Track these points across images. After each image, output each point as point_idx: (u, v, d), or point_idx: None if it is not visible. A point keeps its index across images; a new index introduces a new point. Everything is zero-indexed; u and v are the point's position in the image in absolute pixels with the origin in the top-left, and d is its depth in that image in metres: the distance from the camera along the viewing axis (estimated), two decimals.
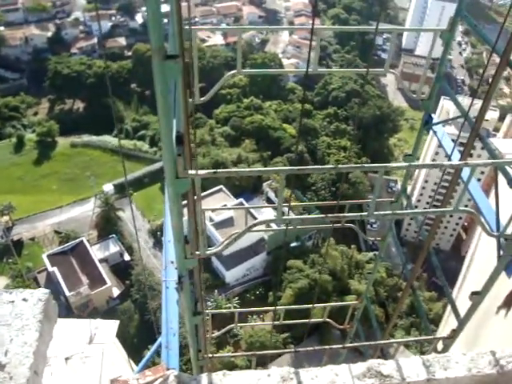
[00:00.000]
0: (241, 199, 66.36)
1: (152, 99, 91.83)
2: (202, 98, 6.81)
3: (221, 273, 64.40)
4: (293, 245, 66.62)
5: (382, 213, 5.37)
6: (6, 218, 70.84)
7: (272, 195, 70.87)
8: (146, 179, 77.12)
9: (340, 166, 4.95)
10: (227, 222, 60.21)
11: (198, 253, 4.87)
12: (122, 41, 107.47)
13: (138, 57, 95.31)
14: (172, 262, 6.95)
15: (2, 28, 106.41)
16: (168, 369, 3.55)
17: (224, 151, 78.31)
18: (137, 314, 62.09)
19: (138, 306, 62.81)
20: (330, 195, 75.10)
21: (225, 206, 56.89)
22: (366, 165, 5.32)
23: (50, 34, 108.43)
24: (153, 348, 8.41)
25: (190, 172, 3.99)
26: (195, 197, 4.53)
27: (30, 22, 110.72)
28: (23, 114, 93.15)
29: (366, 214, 5.18)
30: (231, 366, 46.16)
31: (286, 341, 56.67)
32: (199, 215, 4.78)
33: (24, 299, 3.11)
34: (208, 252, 4.99)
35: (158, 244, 69.50)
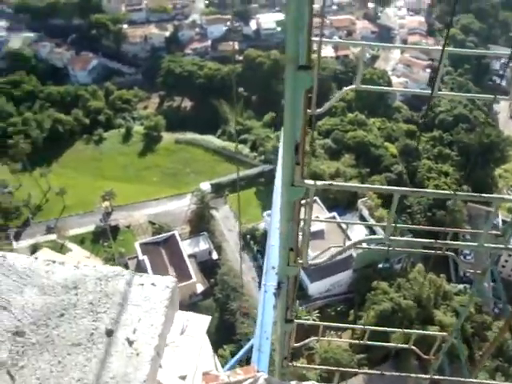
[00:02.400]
0: (334, 213, 65.73)
1: (257, 104, 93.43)
2: (319, 110, 6.80)
3: (304, 284, 64.00)
4: (381, 266, 65.11)
5: (493, 245, 5.07)
6: (106, 203, 74.46)
7: (366, 213, 69.66)
8: (242, 182, 78.31)
9: (458, 193, 4.73)
10: (318, 235, 59.68)
11: (300, 261, 4.82)
12: (235, 45, 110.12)
13: (249, 62, 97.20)
14: (273, 268, 6.95)
15: (125, 26, 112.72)
16: (258, 371, 3.55)
17: (323, 163, 78.02)
18: (217, 313, 63.00)
19: (219, 305, 63.74)
20: (425, 220, 72.72)
21: (317, 217, 56.47)
22: (483, 195, 5.02)
23: (167, 33, 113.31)
24: (244, 348, 8.46)
25: (307, 181, 3.95)
26: (301, 205, 4.47)
27: (151, 22, 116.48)
28: (134, 107, 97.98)
29: (476, 244, 4.92)
30: (303, 379, 45.62)
31: (360, 362, 55.35)
32: (308, 224, 4.74)
33: (153, 284, 3.22)
34: (311, 262, 4.93)
35: (247, 247, 70.32)
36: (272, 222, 7.21)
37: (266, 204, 71.22)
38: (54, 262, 2.40)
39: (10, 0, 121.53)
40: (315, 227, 61.74)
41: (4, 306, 2.19)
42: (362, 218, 69.72)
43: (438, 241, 5.01)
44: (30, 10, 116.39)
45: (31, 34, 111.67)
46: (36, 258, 2.44)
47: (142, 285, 3.16)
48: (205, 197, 73.69)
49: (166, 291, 3.20)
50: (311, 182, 3.96)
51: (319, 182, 4.03)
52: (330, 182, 4.11)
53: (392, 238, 5.02)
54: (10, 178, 79.44)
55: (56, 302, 2.45)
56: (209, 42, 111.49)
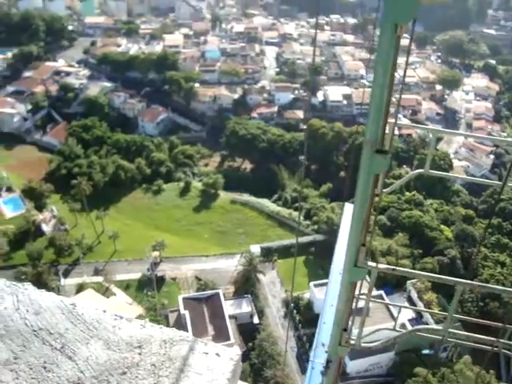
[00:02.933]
0: (381, 291, 64.11)
1: (316, 174, 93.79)
2: (385, 190, 6.81)
3: (344, 360, 61.89)
4: (424, 352, 62.41)
5: None
6: (156, 253, 75.29)
7: (414, 295, 67.63)
8: (292, 249, 77.88)
9: None
10: (362, 311, 58.11)
11: (353, 342, 4.75)
12: (300, 114, 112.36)
13: (312, 131, 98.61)
14: (323, 345, 6.83)
15: (197, 84, 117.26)
16: None
17: (375, 239, 76.89)
18: (250, 378, 61.49)
19: (254, 370, 62.30)
20: (476, 310, 69.78)
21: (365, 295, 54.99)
22: None
23: (236, 96, 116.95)
24: None
25: (370, 263, 3.97)
26: (356, 285, 4.44)
27: (222, 84, 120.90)
28: (195, 163, 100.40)
29: None
30: None
31: None
32: (366, 307, 4.70)
33: (217, 354, 3.18)
34: (364, 345, 4.84)
35: (288, 315, 69.16)
36: (326, 298, 7.11)
37: (313, 274, 70.41)
38: (121, 317, 2.46)
39: (96, 52, 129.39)
40: (360, 303, 60.20)
41: (70, 356, 2.25)
42: (410, 300, 67.72)
43: (501, 340, 4.83)
44: (111, 62, 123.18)
45: (109, 84, 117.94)
46: (104, 312, 2.47)
47: (207, 354, 3.11)
48: (253, 259, 73.43)
49: (229, 363, 3.14)
50: (374, 264, 3.97)
51: (382, 265, 4.03)
52: (393, 267, 4.10)
53: (451, 330, 4.91)
54: (68, 216, 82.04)
55: (119, 359, 2.41)
56: (275, 108, 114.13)
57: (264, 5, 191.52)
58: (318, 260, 72.32)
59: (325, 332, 7.00)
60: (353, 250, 3.73)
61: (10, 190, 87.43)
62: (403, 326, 52.51)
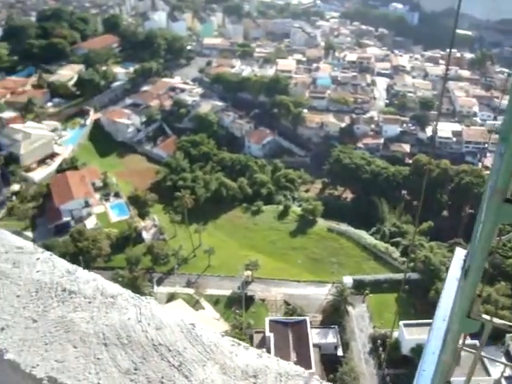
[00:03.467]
0: (476, 341, 60.58)
1: (417, 210, 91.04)
2: (503, 237, 6.41)
3: None
4: None
5: None
6: (248, 272, 76.02)
7: None
8: (385, 285, 75.88)
9: None
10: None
11: None
12: (407, 147, 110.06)
13: (418, 167, 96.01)
14: None
15: (305, 110, 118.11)
16: None
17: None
18: None
19: None
20: None
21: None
22: None
23: (343, 124, 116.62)
24: None
25: (485, 316, 3.74)
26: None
27: (330, 111, 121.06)
28: (297, 187, 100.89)
29: None
30: None
31: None
32: (475, 362, 4.43)
33: None
34: None
35: (374, 352, 67.32)
36: (428, 345, 6.77)
37: (404, 312, 68.09)
38: (239, 344, 2.47)
39: (210, 71, 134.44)
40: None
41: (186, 375, 2.25)
42: (508, 355, 63.61)
43: None
44: (224, 82, 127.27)
45: (220, 103, 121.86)
46: (223, 336, 2.48)
47: None
48: (344, 291, 72.22)
49: None
50: (489, 317, 3.75)
51: (497, 320, 3.80)
52: (510, 324, 3.84)
53: None
54: (168, 226, 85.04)
55: None
56: (381, 140, 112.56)
57: (379, 35, 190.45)
58: (411, 299, 69.93)
59: (424, 381, 6.67)
60: (467, 300, 3.51)
61: (117, 195, 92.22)
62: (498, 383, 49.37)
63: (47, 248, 2.97)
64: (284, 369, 2.39)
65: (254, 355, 2.43)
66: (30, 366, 2.28)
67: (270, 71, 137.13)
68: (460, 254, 4.77)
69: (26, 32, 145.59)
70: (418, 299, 68.26)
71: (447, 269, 5.12)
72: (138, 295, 2.68)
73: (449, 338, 3.86)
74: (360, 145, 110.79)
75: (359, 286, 75.70)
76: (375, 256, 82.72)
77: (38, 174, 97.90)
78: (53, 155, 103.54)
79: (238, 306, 72.04)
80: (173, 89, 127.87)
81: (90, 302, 2.62)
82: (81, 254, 69.94)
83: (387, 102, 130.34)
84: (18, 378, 2.30)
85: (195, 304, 71.50)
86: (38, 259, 2.92)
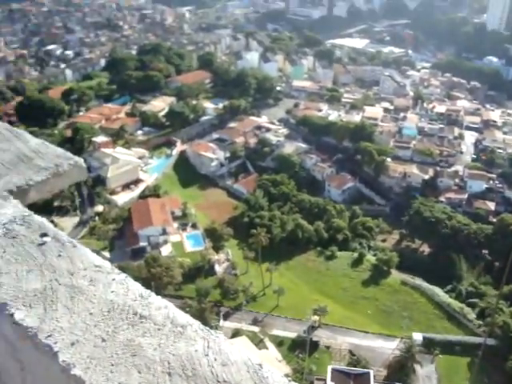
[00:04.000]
0: None
1: (499, 272, 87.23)
2: None
3: None
4: None
5: None
6: (316, 317, 75.02)
7: None
8: (457, 347, 72.67)
9: None
10: None
11: None
12: (491, 205, 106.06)
13: (502, 226, 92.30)
14: None
15: (388, 159, 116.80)
16: None
17: None
18: None
19: None
20: None
21: None
22: None
23: (426, 176, 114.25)
24: None
25: None
26: None
27: (414, 162, 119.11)
28: (373, 236, 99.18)
29: None
30: None
31: None
32: None
33: None
34: None
35: None
36: None
37: (477, 380, 64.83)
38: None
39: (297, 113, 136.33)
40: None
41: None
42: None
43: None
44: (310, 124, 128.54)
45: (303, 145, 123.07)
46: (289, 380, 2.48)
47: None
48: (413, 347, 69.73)
49: None
50: None
51: None
52: None
53: None
54: (240, 262, 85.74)
55: None
56: (465, 196, 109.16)
57: (470, 88, 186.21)
58: (486, 366, 66.36)
59: None
60: None
61: (194, 226, 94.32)
62: None
63: (122, 270, 3.18)
64: None
65: None
66: None
67: (356, 117, 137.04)
68: None
69: (126, 64, 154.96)
70: (493, 368, 64.78)
71: None
72: (207, 328, 2.66)
73: None
74: (442, 199, 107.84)
75: (429, 345, 72.74)
76: (449, 315, 79.51)
77: (122, 198, 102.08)
78: (137, 181, 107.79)
79: (301, 350, 71.14)
80: (259, 127, 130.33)
81: (159, 329, 2.61)
82: (153, 279, 71.37)
83: (474, 156, 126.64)
84: None
85: (259, 343, 71.21)
86: (113, 280, 2.94)
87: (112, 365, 2.41)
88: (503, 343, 69.12)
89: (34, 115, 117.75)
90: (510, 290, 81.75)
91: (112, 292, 2.84)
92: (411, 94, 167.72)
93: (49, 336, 2.56)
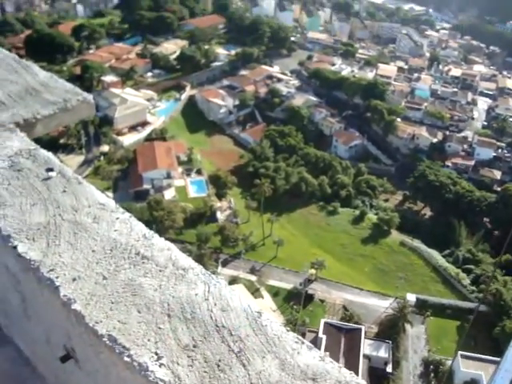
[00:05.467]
0: None
1: (498, 241, 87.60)
2: None
3: None
4: None
5: None
6: (313, 271, 75.86)
7: None
8: (448, 310, 73.72)
9: None
10: None
11: None
12: (497, 174, 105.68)
13: (505, 196, 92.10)
14: None
15: (398, 119, 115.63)
16: None
17: None
18: None
19: None
20: None
21: None
22: None
23: (435, 140, 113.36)
24: None
25: None
26: None
27: (423, 124, 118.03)
28: (376, 195, 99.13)
29: None
30: None
31: None
32: None
33: None
34: None
35: (425, 377, 65.71)
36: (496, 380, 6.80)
37: (464, 343, 65.89)
38: (302, 342, 2.38)
39: (309, 66, 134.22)
40: None
41: (244, 363, 2.27)
42: None
43: None
44: (322, 78, 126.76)
45: (314, 98, 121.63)
46: (288, 331, 2.44)
47: None
48: (406, 307, 70.73)
49: None
50: None
51: None
52: None
53: None
54: (242, 211, 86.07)
55: None
56: (472, 162, 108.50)
57: (489, 53, 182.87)
58: (474, 331, 67.42)
59: None
60: None
61: (199, 172, 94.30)
62: None
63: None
64: (344, 377, 2.33)
65: (316, 357, 2.35)
66: (94, 320, 2.34)
67: (369, 74, 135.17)
68: None
69: (139, 3, 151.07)
70: (480, 333, 65.79)
71: None
72: (209, 272, 2.68)
73: None
74: (448, 163, 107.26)
75: (422, 306, 73.80)
76: (444, 279, 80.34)
77: (128, 139, 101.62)
78: (144, 123, 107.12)
79: (296, 301, 72.09)
80: (270, 77, 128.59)
81: (160, 271, 2.63)
82: (154, 222, 71.77)
83: (485, 123, 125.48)
84: (81, 330, 2.40)
85: (255, 291, 72.28)
86: (117, 218, 2.94)
87: (112, 302, 2.45)
88: (494, 310, 70.04)
89: (43, 50, 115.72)
90: (506, 259, 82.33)
91: (115, 231, 2.85)
92: (427, 54, 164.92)
93: (51, 270, 2.60)
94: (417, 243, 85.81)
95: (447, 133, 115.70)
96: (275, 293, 74.09)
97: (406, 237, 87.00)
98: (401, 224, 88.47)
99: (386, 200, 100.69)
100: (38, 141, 3.65)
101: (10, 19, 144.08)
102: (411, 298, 74.18)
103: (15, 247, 2.74)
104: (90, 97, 4.06)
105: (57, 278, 2.56)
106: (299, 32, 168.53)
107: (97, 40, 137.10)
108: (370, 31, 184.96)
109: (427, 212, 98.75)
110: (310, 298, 73.45)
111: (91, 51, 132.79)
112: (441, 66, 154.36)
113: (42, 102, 3.86)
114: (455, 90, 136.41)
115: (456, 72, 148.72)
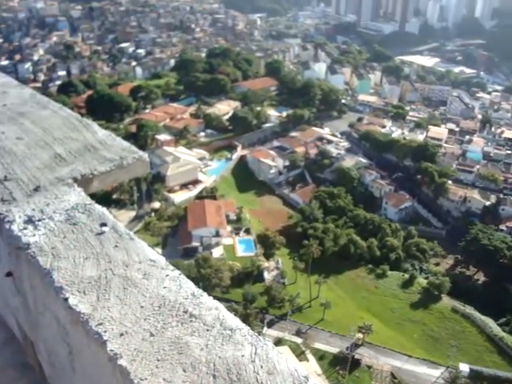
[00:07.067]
0: None
1: None
2: None
3: None
4: None
5: None
6: (360, 335, 74.06)
7: None
8: None
9: None
10: None
11: None
12: None
13: None
14: None
15: (449, 182, 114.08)
16: None
17: None
18: None
19: None
20: None
21: None
22: None
23: (488, 203, 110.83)
24: None
25: None
26: None
27: (476, 187, 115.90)
28: (427, 259, 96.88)
29: None
30: None
31: None
32: None
33: None
34: None
35: None
36: None
37: None
38: None
39: (360, 128, 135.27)
40: None
41: None
42: None
43: None
44: (372, 140, 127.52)
45: (364, 160, 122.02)
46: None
47: None
48: (458, 378, 67.85)
49: None
50: None
51: None
52: None
53: None
54: (289, 272, 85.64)
55: None
56: None
57: None
58: None
59: None
60: None
61: (247, 231, 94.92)
62: None
63: None
64: None
65: None
66: (139, 377, 2.32)
67: (420, 136, 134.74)
68: None
69: (194, 65, 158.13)
70: None
71: None
72: (256, 334, 2.62)
73: None
74: (503, 227, 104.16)
75: (476, 378, 70.40)
76: (500, 349, 76.69)
77: (179, 197, 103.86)
78: (196, 182, 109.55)
79: (342, 366, 70.23)
80: (320, 139, 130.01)
81: (207, 330, 2.58)
82: (202, 280, 72.28)
83: None
84: None
85: (300, 354, 70.94)
86: (167, 276, 2.93)
87: (158, 360, 2.44)
88: None
89: (103, 109, 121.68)
90: None
91: (164, 288, 2.86)
92: (479, 116, 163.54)
93: (99, 324, 2.63)
94: (469, 310, 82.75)
95: (501, 196, 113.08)
96: (321, 356, 72.47)
97: (458, 303, 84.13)
98: (452, 289, 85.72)
99: (437, 264, 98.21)
100: (92, 196, 3.79)
101: (75, 81, 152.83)
102: (464, 368, 70.99)
103: (66, 299, 2.80)
104: (145, 155, 4.18)
105: (105, 332, 2.59)
106: (350, 94, 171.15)
107: (153, 100, 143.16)
108: (420, 93, 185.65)
109: (480, 277, 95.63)
110: (356, 363, 71.34)
111: (147, 111, 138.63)
112: (493, 128, 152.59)
113: (100, 159, 4.03)
114: (509, 152, 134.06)
115: (509, 134, 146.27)
